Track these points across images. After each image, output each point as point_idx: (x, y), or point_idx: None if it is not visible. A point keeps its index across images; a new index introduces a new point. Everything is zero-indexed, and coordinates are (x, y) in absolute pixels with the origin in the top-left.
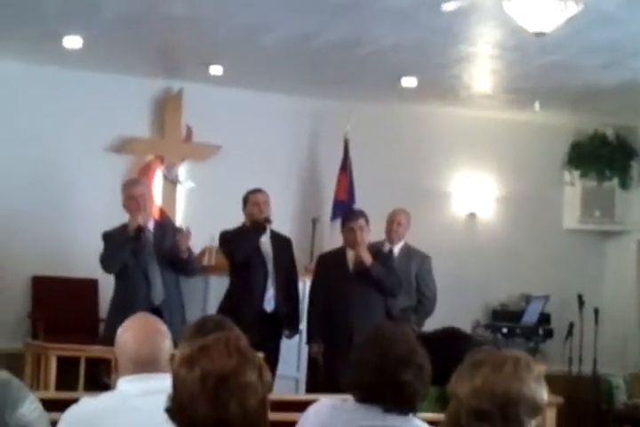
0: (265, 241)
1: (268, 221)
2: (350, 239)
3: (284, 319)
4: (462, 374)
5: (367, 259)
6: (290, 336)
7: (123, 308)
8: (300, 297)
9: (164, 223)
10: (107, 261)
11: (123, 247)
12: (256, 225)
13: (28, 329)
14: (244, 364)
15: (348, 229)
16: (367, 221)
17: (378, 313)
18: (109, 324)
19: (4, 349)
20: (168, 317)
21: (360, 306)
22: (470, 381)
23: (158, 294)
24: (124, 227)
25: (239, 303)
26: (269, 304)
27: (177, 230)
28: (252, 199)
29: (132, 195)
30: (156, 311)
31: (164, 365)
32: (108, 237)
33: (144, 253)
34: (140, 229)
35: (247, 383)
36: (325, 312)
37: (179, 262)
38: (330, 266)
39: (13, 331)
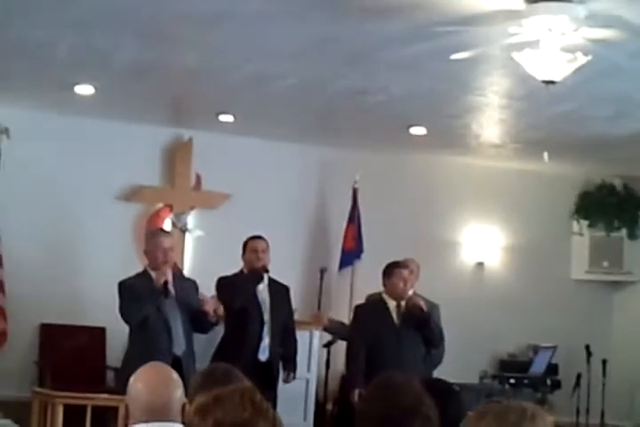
0: (262, 289)
1: (265, 269)
2: (399, 287)
3: (281, 362)
4: (467, 424)
5: (424, 305)
6: (287, 380)
7: (143, 358)
8: (308, 347)
9: (179, 273)
10: (130, 313)
11: (150, 301)
12: (253, 273)
13: (34, 377)
14: (258, 417)
15: (398, 277)
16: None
17: (422, 362)
18: (127, 373)
19: (10, 396)
20: (187, 366)
21: (407, 357)
22: None
23: (180, 344)
24: (144, 278)
25: (234, 352)
26: (264, 354)
27: (201, 299)
28: (251, 246)
29: (162, 246)
30: (177, 361)
31: (176, 414)
32: (127, 287)
33: (167, 304)
34: (167, 284)
35: None
36: (367, 362)
37: (204, 324)
38: (371, 316)
39: (20, 378)
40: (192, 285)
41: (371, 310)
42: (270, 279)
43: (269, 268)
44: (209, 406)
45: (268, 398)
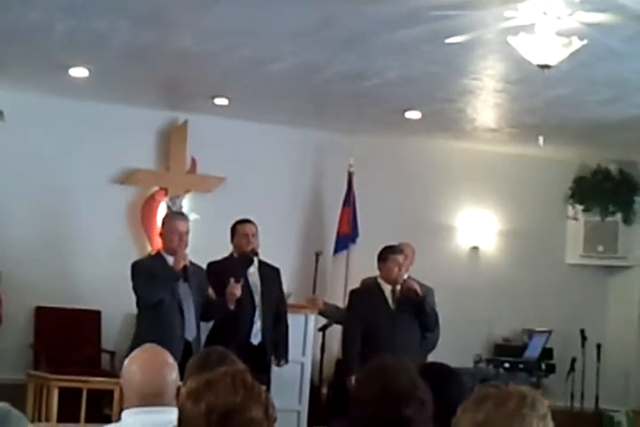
0: (253, 272)
1: (255, 253)
2: (393, 272)
3: (273, 348)
4: (466, 409)
5: (419, 289)
6: (279, 364)
7: (155, 341)
8: (303, 331)
9: (193, 264)
10: (147, 295)
11: (166, 284)
12: (243, 257)
13: (30, 360)
14: (250, 399)
15: (392, 262)
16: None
17: (418, 346)
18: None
19: (6, 379)
20: (196, 352)
21: (403, 341)
22: (473, 416)
23: (191, 329)
24: (159, 260)
25: (226, 336)
26: (256, 337)
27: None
28: (241, 230)
29: (178, 229)
30: (188, 346)
31: (170, 398)
32: (143, 268)
33: (181, 289)
34: (186, 269)
35: (252, 419)
36: (363, 347)
37: (211, 312)
38: (366, 301)
39: (16, 361)
40: (201, 271)
41: (366, 294)
42: (260, 262)
43: (261, 251)
44: (200, 390)
45: (261, 381)
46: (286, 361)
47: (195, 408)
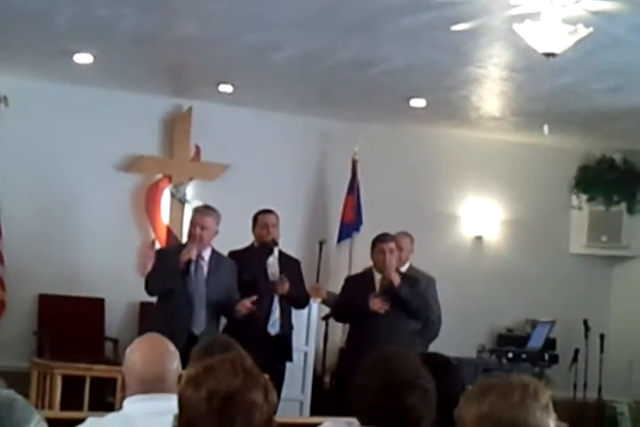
0: (272, 263)
1: (275, 243)
2: (380, 261)
3: (291, 337)
4: (469, 400)
5: (396, 280)
6: (282, 290)
7: (161, 332)
8: (306, 320)
9: (221, 257)
10: (150, 284)
11: (171, 275)
12: (263, 246)
13: (33, 347)
14: (250, 383)
15: (378, 251)
16: (397, 245)
17: (404, 335)
18: None
19: (9, 366)
20: None
21: (385, 327)
22: (477, 407)
23: (200, 323)
24: (179, 251)
25: (244, 325)
26: (274, 327)
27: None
28: (262, 221)
29: (199, 223)
30: (193, 340)
31: (172, 385)
32: (159, 257)
33: (193, 283)
34: (190, 262)
35: (253, 402)
36: (351, 333)
37: (228, 314)
38: (357, 287)
39: (19, 349)
40: (229, 266)
41: (358, 281)
42: (281, 253)
43: (280, 241)
44: (200, 376)
45: (276, 371)
46: (293, 299)
47: (195, 394)
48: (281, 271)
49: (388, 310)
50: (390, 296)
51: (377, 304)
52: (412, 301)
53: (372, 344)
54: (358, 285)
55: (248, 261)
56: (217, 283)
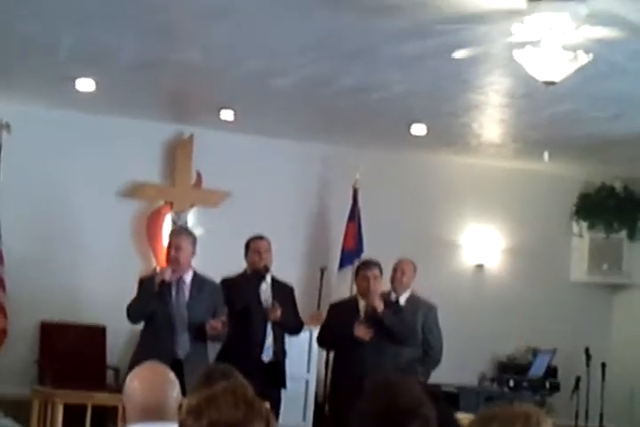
0: (265, 289)
1: (267, 269)
2: (363, 288)
3: (284, 365)
4: None
5: (379, 307)
6: (274, 317)
7: (144, 357)
8: (307, 347)
9: (203, 280)
10: (129, 310)
11: (146, 298)
12: (256, 273)
13: (35, 375)
14: (252, 415)
15: (362, 278)
16: (381, 272)
17: (389, 362)
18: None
19: (10, 394)
20: (190, 371)
21: (371, 354)
22: None
23: (183, 347)
24: (154, 276)
25: (237, 352)
26: (267, 355)
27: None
28: (254, 246)
29: (174, 244)
30: (178, 364)
31: (172, 414)
32: (139, 283)
33: (174, 305)
34: (163, 284)
35: None
36: (334, 361)
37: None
38: (341, 314)
39: (21, 376)
40: (212, 288)
41: (342, 308)
42: (274, 280)
43: (272, 267)
44: (202, 407)
45: (272, 398)
46: (280, 312)
47: (196, 425)
48: (274, 297)
49: (372, 337)
50: (374, 323)
51: (361, 331)
52: (396, 327)
53: (358, 372)
54: (343, 311)
55: (241, 288)
56: (199, 305)
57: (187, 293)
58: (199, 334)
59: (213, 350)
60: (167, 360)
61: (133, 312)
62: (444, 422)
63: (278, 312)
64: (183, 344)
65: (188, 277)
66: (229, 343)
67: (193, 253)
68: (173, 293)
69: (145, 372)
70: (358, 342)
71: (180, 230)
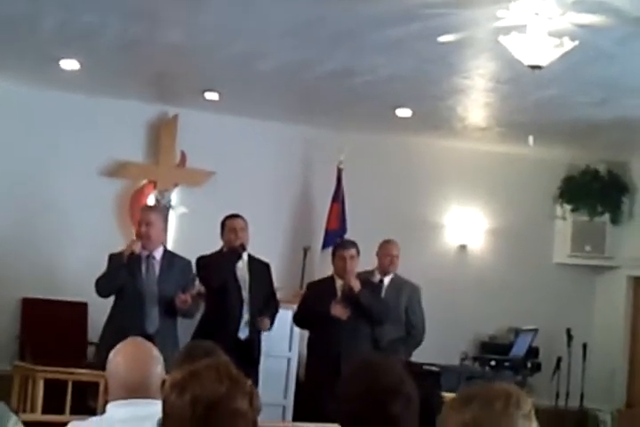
0: (241, 267)
1: (243, 247)
2: (340, 267)
3: (259, 342)
4: (452, 409)
5: (356, 286)
6: (261, 326)
7: (114, 333)
8: (289, 326)
9: (173, 256)
10: (98, 284)
11: (115, 272)
12: (232, 251)
13: (16, 351)
14: (235, 390)
15: (338, 258)
16: (358, 252)
17: (365, 341)
18: (100, 348)
19: None
20: (160, 346)
21: (347, 333)
22: (460, 415)
23: (153, 322)
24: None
25: (214, 330)
26: (243, 332)
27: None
28: (229, 225)
29: (144, 220)
30: (148, 339)
31: (155, 390)
32: (109, 259)
33: (144, 281)
34: (132, 256)
35: (237, 410)
36: (311, 339)
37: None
38: (318, 293)
39: (1, 352)
40: (183, 264)
41: (319, 287)
42: (250, 257)
43: (250, 245)
44: (185, 382)
45: (248, 376)
46: (271, 324)
47: (179, 400)
48: (251, 274)
49: (349, 316)
50: (351, 302)
51: (338, 310)
52: (373, 306)
53: (334, 351)
54: (320, 291)
55: (217, 266)
56: (169, 281)
57: (157, 268)
58: (169, 309)
59: (187, 327)
60: (136, 335)
61: (102, 285)
62: (425, 399)
63: (266, 322)
64: (153, 320)
65: (159, 254)
66: (206, 321)
67: (163, 228)
68: (143, 268)
69: (129, 347)
70: (335, 322)
71: (150, 207)
